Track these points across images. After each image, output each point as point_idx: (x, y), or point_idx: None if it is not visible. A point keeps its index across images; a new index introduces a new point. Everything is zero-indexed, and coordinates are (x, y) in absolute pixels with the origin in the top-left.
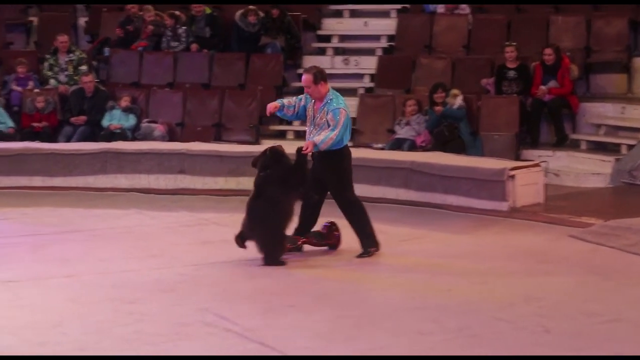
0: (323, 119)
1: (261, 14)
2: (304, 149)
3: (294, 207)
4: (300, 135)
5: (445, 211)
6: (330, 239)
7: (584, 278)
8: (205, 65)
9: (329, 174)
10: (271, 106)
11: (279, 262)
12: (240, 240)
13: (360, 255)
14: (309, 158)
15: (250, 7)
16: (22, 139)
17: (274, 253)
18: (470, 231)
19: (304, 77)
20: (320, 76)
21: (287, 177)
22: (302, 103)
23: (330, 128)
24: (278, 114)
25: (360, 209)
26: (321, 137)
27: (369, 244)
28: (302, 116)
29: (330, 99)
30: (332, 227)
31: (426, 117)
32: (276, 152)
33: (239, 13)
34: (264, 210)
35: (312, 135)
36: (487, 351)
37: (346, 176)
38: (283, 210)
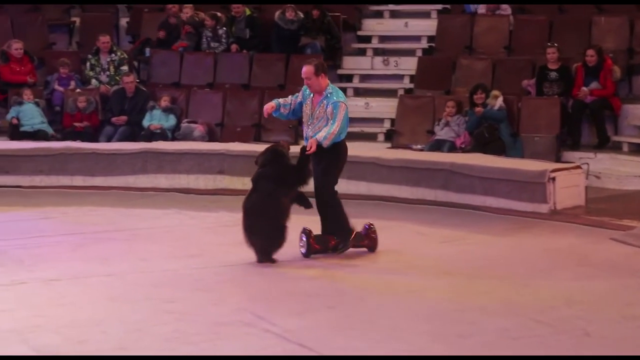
0: (322, 112)
1: (300, 13)
2: (308, 148)
3: (289, 203)
4: None
5: (484, 213)
6: (367, 240)
7: (625, 281)
8: (245, 65)
9: (316, 163)
10: (268, 107)
11: (271, 260)
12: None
13: (338, 249)
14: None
15: (288, 5)
16: (63, 139)
17: (269, 248)
18: (511, 233)
19: (305, 68)
20: (321, 68)
21: (285, 175)
22: (299, 99)
23: (329, 122)
24: (274, 115)
25: (338, 204)
26: (323, 134)
27: (346, 237)
28: (297, 113)
29: (330, 93)
30: (370, 229)
31: (466, 118)
32: (275, 151)
33: (277, 12)
34: (259, 203)
35: (309, 129)
36: (526, 354)
37: (334, 169)
38: (277, 203)
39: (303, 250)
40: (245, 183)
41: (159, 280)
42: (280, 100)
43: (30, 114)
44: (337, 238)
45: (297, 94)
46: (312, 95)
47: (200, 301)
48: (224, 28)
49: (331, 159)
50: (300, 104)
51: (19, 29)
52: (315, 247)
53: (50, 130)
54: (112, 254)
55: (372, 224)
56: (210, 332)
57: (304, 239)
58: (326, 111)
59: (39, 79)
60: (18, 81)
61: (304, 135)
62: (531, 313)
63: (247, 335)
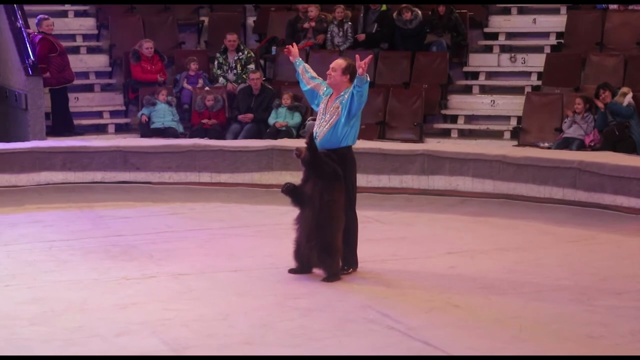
0: (337, 107)
1: (417, 12)
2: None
3: None
4: (464, 134)
5: (615, 212)
6: None
7: None
8: (370, 63)
9: (347, 178)
10: (293, 51)
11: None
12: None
13: (343, 272)
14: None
15: (404, 4)
16: (191, 136)
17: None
18: None
19: (337, 60)
20: (350, 69)
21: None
22: (320, 92)
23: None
24: (296, 65)
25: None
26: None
27: (355, 263)
28: (311, 97)
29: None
30: None
31: (595, 116)
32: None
33: (395, 13)
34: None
35: (319, 128)
36: None
37: (354, 188)
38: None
39: None
40: (369, 180)
41: (285, 276)
42: (307, 65)
43: (162, 113)
44: (346, 263)
45: (322, 82)
46: (330, 95)
47: (325, 297)
48: (350, 23)
49: (345, 174)
50: (318, 96)
51: (150, 29)
52: None
53: (180, 128)
54: (239, 249)
55: None
56: (335, 328)
57: None
58: (342, 102)
59: (168, 77)
60: (149, 80)
61: (316, 131)
62: None
63: (372, 332)
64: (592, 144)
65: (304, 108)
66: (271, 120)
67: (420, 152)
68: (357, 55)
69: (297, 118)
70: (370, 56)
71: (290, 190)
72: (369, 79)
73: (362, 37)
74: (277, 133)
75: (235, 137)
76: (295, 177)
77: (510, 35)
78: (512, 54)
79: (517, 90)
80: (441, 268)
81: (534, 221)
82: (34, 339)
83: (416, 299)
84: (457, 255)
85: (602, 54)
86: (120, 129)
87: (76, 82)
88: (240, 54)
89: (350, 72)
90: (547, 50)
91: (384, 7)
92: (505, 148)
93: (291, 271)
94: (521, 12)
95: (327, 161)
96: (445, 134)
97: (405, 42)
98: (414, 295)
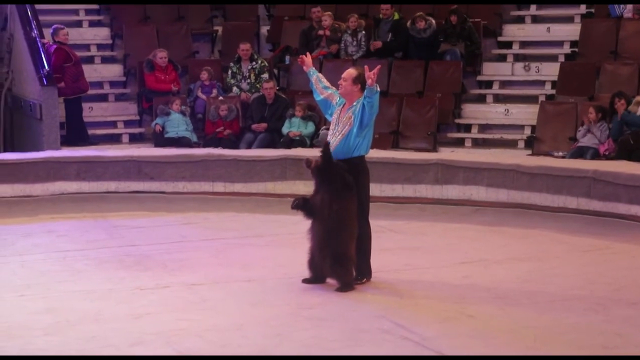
0: (350, 117)
1: (431, 21)
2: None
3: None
4: (478, 143)
5: (630, 222)
6: None
7: None
8: (383, 72)
9: (360, 187)
10: (307, 62)
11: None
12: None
13: (356, 281)
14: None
15: (418, 13)
16: (205, 146)
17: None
18: None
19: (347, 70)
20: (360, 79)
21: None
22: (333, 102)
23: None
24: (309, 75)
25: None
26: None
27: (368, 272)
28: (324, 108)
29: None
30: None
31: (610, 125)
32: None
33: (409, 22)
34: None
35: (332, 137)
36: None
37: (367, 199)
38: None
39: None
40: (382, 190)
41: (298, 286)
42: (320, 75)
43: (176, 122)
44: (361, 274)
45: (334, 92)
46: (343, 104)
47: (338, 307)
48: (363, 32)
49: (358, 183)
50: (331, 106)
51: (164, 39)
52: None
53: (194, 138)
54: (252, 259)
55: None
56: (349, 338)
57: None
58: (354, 112)
59: (182, 87)
60: (162, 89)
61: (329, 138)
62: None
63: (385, 342)
64: (607, 153)
65: (318, 117)
66: (285, 129)
67: (434, 161)
68: (366, 66)
69: (310, 127)
70: (378, 66)
71: (300, 206)
72: (379, 89)
73: (378, 44)
74: (290, 142)
75: (249, 147)
76: (309, 187)
77: (524, 44)
78: (526, 63)
79: (531, 99)
80: (455, 278)
81: (548, 231)
82: (48, 349)
83: (430, 309)
84: (471, 265)
85: (617, 63)
86: (134, 139)
87: (90, 91)
88: (254, 63)
89: (360, 81)
90: (561, 59)
91: (396, 15)
92: (519, 157)
93: (305, 281)
94: (535, 20)
95: (339, 170)
96: (459, 143)
97: (418, 51)
98: (427, 305)
